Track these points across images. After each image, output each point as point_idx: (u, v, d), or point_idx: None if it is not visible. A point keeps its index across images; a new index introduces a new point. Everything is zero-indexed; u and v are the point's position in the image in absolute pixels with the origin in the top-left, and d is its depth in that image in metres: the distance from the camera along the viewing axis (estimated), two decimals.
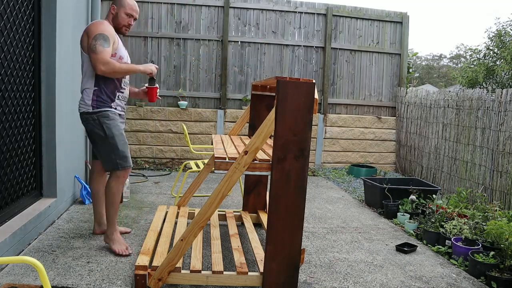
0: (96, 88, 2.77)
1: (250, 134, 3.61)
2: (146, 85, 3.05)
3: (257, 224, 3.57)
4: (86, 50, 2.74)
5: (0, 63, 2.73)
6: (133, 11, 2.88)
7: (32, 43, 3.24)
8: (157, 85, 3.05)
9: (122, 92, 2.92)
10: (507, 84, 9.21)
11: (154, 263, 2.42)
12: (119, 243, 2.89)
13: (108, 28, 2.74)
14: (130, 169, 2.92)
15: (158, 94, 3.08)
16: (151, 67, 2.94)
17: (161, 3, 6.15)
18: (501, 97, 4.52)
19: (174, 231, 3.17)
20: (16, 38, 2.96)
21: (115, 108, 2.87)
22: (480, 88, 8.80)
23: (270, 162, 2.30)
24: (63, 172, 3.68)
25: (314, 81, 2.21)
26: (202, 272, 2.39)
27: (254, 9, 6.41)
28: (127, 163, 2.86)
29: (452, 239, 3.23)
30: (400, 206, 4.30)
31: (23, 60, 3.09)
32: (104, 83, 2.78)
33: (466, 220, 3.53)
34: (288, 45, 6.54)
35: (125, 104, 3.01)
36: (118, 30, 2.90)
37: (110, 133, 2.78)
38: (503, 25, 9.86)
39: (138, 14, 2.94)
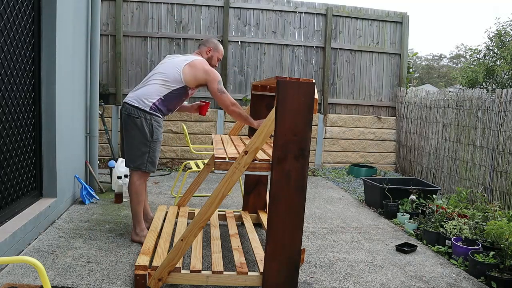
0: (162, 98, 3.01)
1: (250, 134, 3.61)
2: (201, 100, 3.45)
3: (257, 224, 3.57)
4: (189, 73, 3.01)
5: (0, 63, 2.73)
6: (222, 56, 3.32)
7: (32, 43, 3.24)
8: (209, 102, 3.50)
9: (170, 114, 3.26)
10: (507, 84, 9.21)
11: (154, 263, 2.42)
12: None
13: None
14: (149, 174, 3.15)
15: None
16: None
17: (161, 3, 6.15)
18: (501, 97, 4.52)
19: (174, 231, 3.17)
20: (16, 38, 2.96)
21: (162, 118, 3.12)
22: (480, 88, 8.80)
23: (270, 162, 2.30)
24: (63, 172, 3.68)
25: (314, 81, 2.21)
26: (202, 272, 2.39)
27: (254, 9, 6.41)
28: (152, 168, 3.07)
29: (452, 239, 3.23)
30: (400, 206, 4.30)
31: (23, 60, 3.09)
32: (169, 102, 3.05)
33: (466, 220, 3.53)
34: (288, 45, 6.54)
35: None
36: None
37: (155, 137, 3.03)
38: (503, 25, 9.85)
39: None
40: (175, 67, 3.03)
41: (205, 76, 3.02)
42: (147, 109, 2.97)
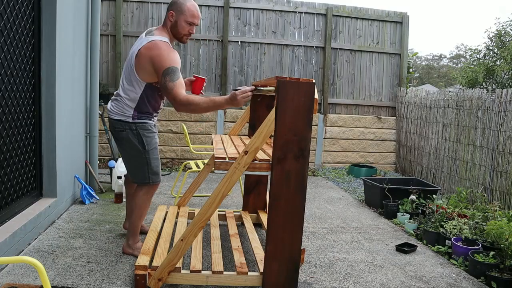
0: (140, 101, 2.60)
1: (250, 134, 3.61)
2: (195, 74, 2.86)
3: (257, 224, 3.57)
4: (140, 68, 2.50)
5: (0, 63, 2.73)
6: (194, 18, 2.55)
7: (32, 43, 3.24)
8: (205, 77, 2.84)
9: (161, 109, 2.83)
10: (507, 84, 9.21)
11: (154, 263, 2.42)
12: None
13: (174, 56, 2.45)
14: (159, 184, 2.86)
15: (203, 88, 2.84)
16: (241, 100, 2.32)
17: (161, 3, 6.15)
18: (501, 97, 4.52)
19: (174, 231, 3.17)
20: (16, 38, 2.96)
21: (153, 120, 2.76)
22: (480, 88, 8.79)
23: (270, 162, 2.30)
24: (63, 172, 3.68)
25: (314, 81, 2.21)
26: (202, 272, 2.39)
27: (254, 9, 6.41)
28: (158, 179, 2.81)
29: (452, 239, 3.23)
30: (400, 206, 4.30)
31: (23, 60, 3.09)
32: (149, 100, 2.62)
33: (466, 220, 3.53)
34: (288, 45, 6.54)
35: None
36: (177, 39, 2.65)
37: (149, 147, 2.69)
38: (503, 25, 9.86)
39: (199, 19, 2.58)
40: (128, 66, 2.57)
41: (151, 63, 2.42)
42: (130, 120, 2.62)
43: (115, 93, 2.74)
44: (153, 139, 2.72)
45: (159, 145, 6.12)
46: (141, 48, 2.48)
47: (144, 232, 3.23)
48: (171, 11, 2.56)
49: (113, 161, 4.73)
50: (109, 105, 2.73)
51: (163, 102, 2.83)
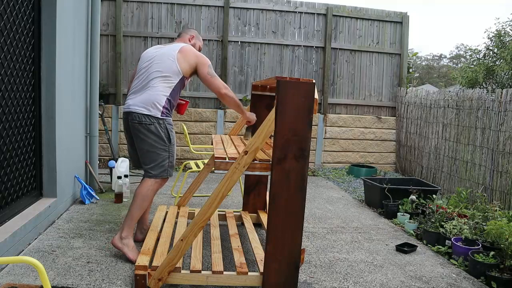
0: (169, 98, 2.82)
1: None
2: (180, 98, 3.15)
3: (257, 224, 3.57)
4: (184, 61, 2.82)
5: (0, 63, 2.73)
6: (202, 46, 3.23)
7: (32, 43, 3.24)
8: (188, 101, 3.32)
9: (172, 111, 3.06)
10: (507, 84, 9.21)
11: (154, 263, 2.42)
12: (134, 250, 2.79)
13: None
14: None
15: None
16: (253, 117, 3.14)
17: (161, 3, 6.15)
18: (501, 97, 4.52)
19: (174, 231, 3.16)
20: (16, 38, 2.96)
21: (171, 117, 2.96)
22: (480, 88, 8.79)
23: (270, 162, 2.30)
24: (63, 172, 3.68)
25: (314, 81, 2.21)
26: (202, 272, 2.39)
27: (254, 9, 6.41)
28: (172, 172, 2.92)
29: (452, 239, 3.23)
30: (400, 206, 4.30)
31: (23, 60, 3.09)
32: (173, 99, 2.87)
33: (466, 220, 3.53)
34: (288, 45, 6.54)
35: None
36: None
37: (173, 140, 2.89)
38: (502, 25, 9.85)
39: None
40: (168, 59, 2.81)
41: (196, 59, 2.85)
42: (159, 115, 2.77)
43: (133, 90, 2.87)
44: (174, 134, 2.93)
45: None
46: (184, 46, 2.89)
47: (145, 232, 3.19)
48: (192, 34, 3.14)
49: (113, 161, 4.73)
50: (130, 101, 2.84)
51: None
